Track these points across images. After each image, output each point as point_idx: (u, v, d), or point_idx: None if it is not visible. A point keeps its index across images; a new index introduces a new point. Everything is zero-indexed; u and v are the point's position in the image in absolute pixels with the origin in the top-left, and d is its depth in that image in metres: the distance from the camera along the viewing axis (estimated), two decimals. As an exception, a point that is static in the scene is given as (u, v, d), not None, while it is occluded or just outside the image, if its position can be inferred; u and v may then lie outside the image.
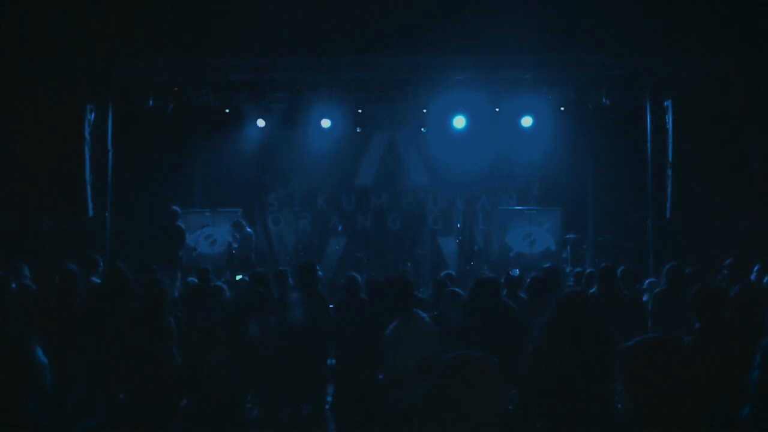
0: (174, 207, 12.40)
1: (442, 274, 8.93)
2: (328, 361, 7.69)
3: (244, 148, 14.56)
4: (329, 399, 7.64)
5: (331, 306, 7.69)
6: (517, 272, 11.68)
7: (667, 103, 12.39)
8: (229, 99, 13.56)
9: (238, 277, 11.52)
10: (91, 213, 12.33)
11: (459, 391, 2.24)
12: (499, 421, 2.29)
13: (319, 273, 8.53)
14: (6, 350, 2.73)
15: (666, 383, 2.20)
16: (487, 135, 14.08)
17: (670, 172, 12.24)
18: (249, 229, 13.12)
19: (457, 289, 7.43)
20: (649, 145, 12.55)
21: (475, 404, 2.21)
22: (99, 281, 7.80)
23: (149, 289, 6.07)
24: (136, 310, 5.89)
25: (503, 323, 5.77)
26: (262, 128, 14.24)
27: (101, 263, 8.70)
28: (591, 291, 6.95)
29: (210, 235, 13.87)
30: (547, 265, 8.40)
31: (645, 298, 7.53)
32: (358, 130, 14.14)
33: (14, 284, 6.99)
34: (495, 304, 5.97)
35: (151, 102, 13.11)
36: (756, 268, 7.26)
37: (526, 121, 13.66)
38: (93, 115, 12.51)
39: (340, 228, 14.97)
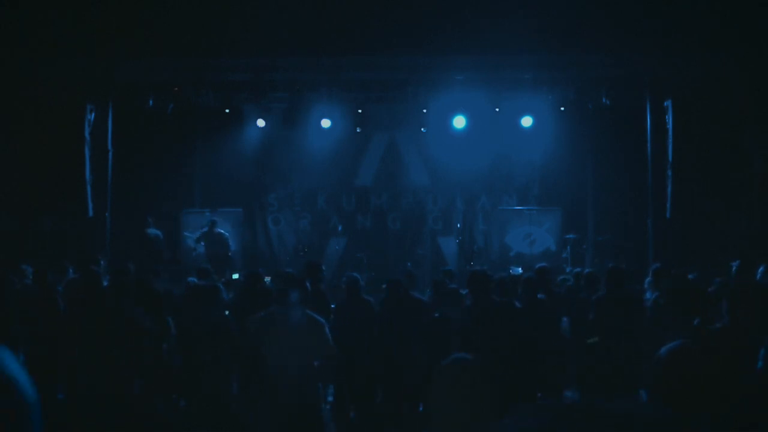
0: (147, 216, 12.62)
1: (444, 269, 8.91)
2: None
3: (244, 148, 14.57)
4: (329, 399, 7.63)
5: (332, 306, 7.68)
6: (520, 270, 11.70)
7: (667, 103, 12.38)
8: (229, 99, 13.56)
9: (235, 276, 11.53)
10: (91, 213, 12.33)
11: (454, 394, 2.25)
12: (493, 422, 2.30)
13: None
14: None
15: (701, 390, 2.20)
16: (487, 135, 14.08)
17: (670, 172, 12.23)
18: (220, 230, 13.14)
19: (455, 286, 7.42)
20: (649, 145, 12.55)
21: (469, 407, 2.22)
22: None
23: (145, 291, 6.07)
24: (133, 310, 5.89)
25: (503, 323, 5.77)
26: (262, 128, 14.25)
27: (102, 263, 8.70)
28: (600, 293, 6.91)
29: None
30: (539, 264, 8.39)
31: (648, 295, 7.54)
32: (358, 130, 14.16)
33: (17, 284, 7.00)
34: (491, 303, 5.96)
35: (151, 102, 13.11)
36: (761, 269, 7.23)
37: (526, 121, 13.67)
38: (93, 115, 12.51)
39: (340, 228, 14.97)
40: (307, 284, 5.60)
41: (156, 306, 5.73)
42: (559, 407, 1.17)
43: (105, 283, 7.00)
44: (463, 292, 7.30)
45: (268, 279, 10.53)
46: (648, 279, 8.31)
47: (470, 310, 5.99)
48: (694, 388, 2.24)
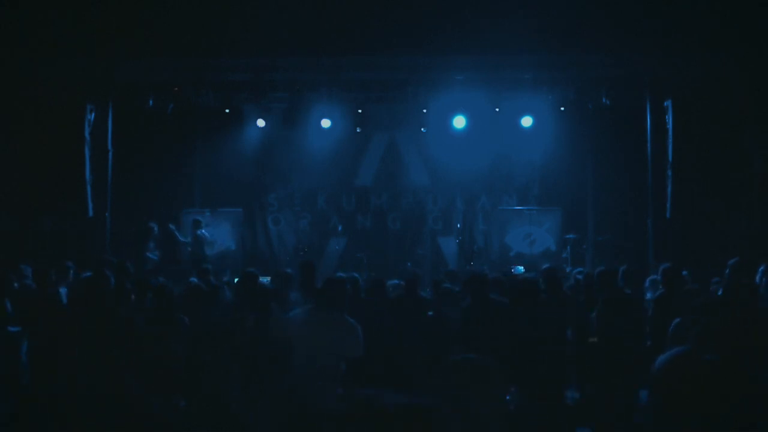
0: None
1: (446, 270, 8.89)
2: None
3: (244, 148, 14.57)
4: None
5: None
6: (522, 269, 11.71)
7: (667, 103, 12.38)
8: (229, 99, 13.55)
9: (237, 280, 11.52)
10: (91, 213, 12.33)
11: (460, 393, 2.25)
12: (500, 419, 2.31)
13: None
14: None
15: (700, 397, 2.20)
16: (487, 135, 14.08)
17: (670, 172, 12.23)
18: (203, 231, 13.10)
19: (448, 285, 7.43)
20: (649, 145, 12.54)
21: (476, 405, 2.22)
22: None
23: (158, 289, 6.07)
24: (148, 309, 5.92)
25: (503, 323, 5.76)
26: (262, 128, 14.25)
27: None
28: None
29: (210, 235, 13.83)
30: (546, 265, 8.40)
31: (648, 296, 7.54)
32: (358, 130, 14.16)
33: (16, 284, 7.01)
34: (488, 302, 5.96)
35: (151, 102, 13.10)
36: (761, 269, 7.22)
37: (526, 121, 13.67)
38: (93, 115, 12.51)
39: (340, 228, 14.98)
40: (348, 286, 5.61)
41: (168, 304, 5.73)
42: None
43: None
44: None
45: (267, 279, 10.53)
46: (651, 277, 8.30)
47: (467, 310, 5.99)
48: (694, 390, 2.24)
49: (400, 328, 6.26)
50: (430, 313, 6.47)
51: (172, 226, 13.24)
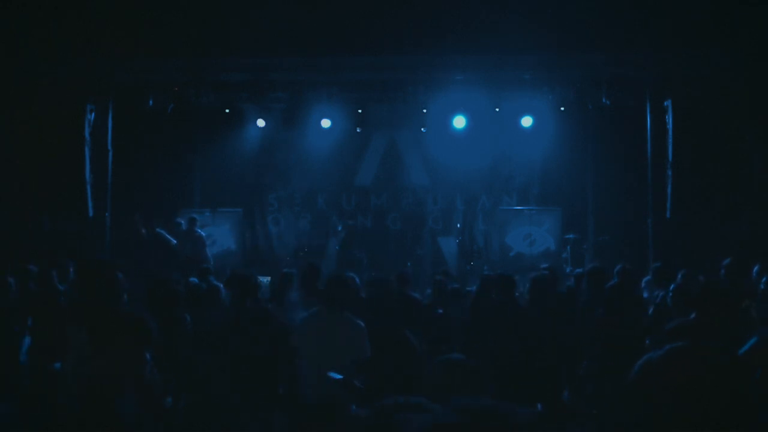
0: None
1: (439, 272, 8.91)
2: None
3: (244, 148, 14.60)
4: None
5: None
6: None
7: (667, 103, 12.38)
8: (229, 99, 13.55)
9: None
10: (91, 213, 12.33)
11: (445, 392, 2.27)
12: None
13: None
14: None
15: (696, 389, 2.20)
16: (487, 135, 14.10)
17: (670, 172, 12.23)
18: (199, 231, 13.02)
19: (456, 285, 7.45)
20: (649, 145, 12.53)
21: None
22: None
23: (161, 289, 6.07)
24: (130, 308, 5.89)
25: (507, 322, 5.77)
26: (262, 128, 14.27)
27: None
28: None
29: (210, 235, 13.84)
30: (544, 265, 8.40)
31: (645, 295, 7.55)
32: (358, 130, 14.18)
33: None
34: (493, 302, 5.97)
35: (151, 102, 13.09)
36: (755, 268, 7.24)
37: (526, 121, 13.68)
38: (93, 115, 12.50)
39: (340, 228, 14.98)
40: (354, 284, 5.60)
41: (171, 304, 5.73)
42: None
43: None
44: (468, 290, 7.31)
45: (267, 279, 10.51)
46: (646, 278, 8.32)
47: (474, 309, 6.00)
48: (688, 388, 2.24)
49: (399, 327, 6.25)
50: (440, 310, 6.46)
51: (160, 230, 13.03)
